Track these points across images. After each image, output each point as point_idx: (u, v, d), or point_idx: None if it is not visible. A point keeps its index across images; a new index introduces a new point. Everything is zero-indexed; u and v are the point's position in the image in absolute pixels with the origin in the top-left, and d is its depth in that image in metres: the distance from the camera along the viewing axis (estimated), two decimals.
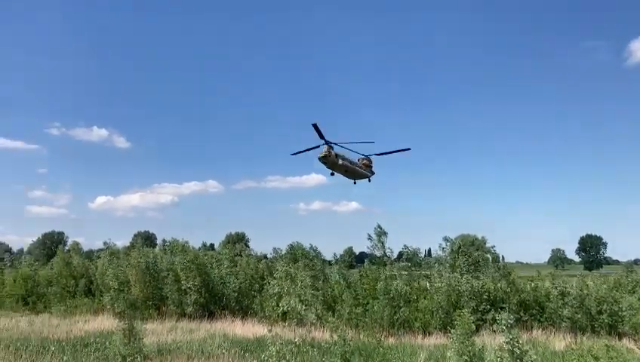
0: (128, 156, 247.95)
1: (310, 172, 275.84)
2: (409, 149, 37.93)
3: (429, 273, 33.11)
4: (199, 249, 44.36)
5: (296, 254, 32.39)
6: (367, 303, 29.11)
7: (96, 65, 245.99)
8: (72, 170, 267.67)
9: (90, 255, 52.85)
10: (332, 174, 39.10)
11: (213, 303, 33.24)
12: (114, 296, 29.83)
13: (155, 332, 25.97)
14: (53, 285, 40.89)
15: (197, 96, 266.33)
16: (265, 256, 39.54)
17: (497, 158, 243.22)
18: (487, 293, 29.99)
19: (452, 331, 16.89)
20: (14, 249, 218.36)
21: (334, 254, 40.49)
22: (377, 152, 42.27)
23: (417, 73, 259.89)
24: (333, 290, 31.21)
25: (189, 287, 32.38)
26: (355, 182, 41.83)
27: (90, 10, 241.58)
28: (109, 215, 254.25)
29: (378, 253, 32.35)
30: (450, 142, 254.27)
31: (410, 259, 32.85)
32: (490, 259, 37.96)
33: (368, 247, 32.47)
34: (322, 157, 37.00)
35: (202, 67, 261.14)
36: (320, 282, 30.24)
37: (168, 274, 33.73)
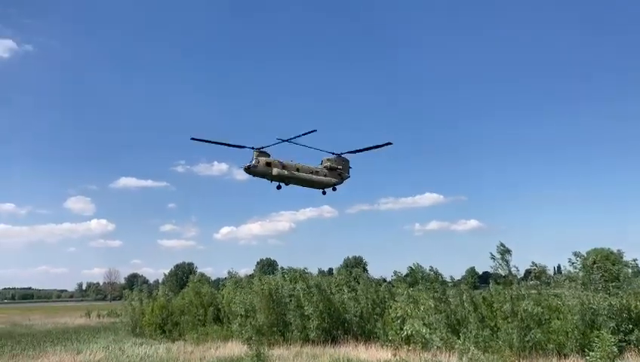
0: (247, 187, 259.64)
1: (424, 191, 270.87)
2: (390, 143, 34.24)
3: (559, 291, 30.81)
4: (317, 274, 44.87)
5: (416, 276, 31.66)
6: (495, 325, 27.73)
7: (214, 105, 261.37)
8: (197, 204, 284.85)
9: (218, 284, 55.61)
10: (278, 188, 34.51)
11: (335, 328, 33.34)
12: (241, 323, 30.98)
13: (282, 357, 26.47)
14: (185, 314, 43.25)
15: (294, 123, 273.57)
16: (384, 280, 38.70)
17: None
18: (627, 311, 27.38)
19: (591, 354, 15.58)
20: (150, 280, 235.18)
21: (454, 275, 38.54)
22: (354, 149, 38.31)
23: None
24: (457, 313, 30.12)
25: (311, 313, 32.66)
26: (323, 192, 36.53)
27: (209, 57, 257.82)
28: (233, 244, 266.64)
29: (502, 272, 30.50)
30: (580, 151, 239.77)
31: (538, 277, 30.58)
32: (631, 273, 34.41)
33: (492, 267, 30.50)
34: (246, 168, 33.24)
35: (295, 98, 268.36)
36: (443, 304, 29.30)
37: (291, 301, 34.36)
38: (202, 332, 38.04)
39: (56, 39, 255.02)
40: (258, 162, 33.08)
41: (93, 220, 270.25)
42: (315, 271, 45.08)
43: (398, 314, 28.83)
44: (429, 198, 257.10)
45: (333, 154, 36.21)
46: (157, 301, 47.37)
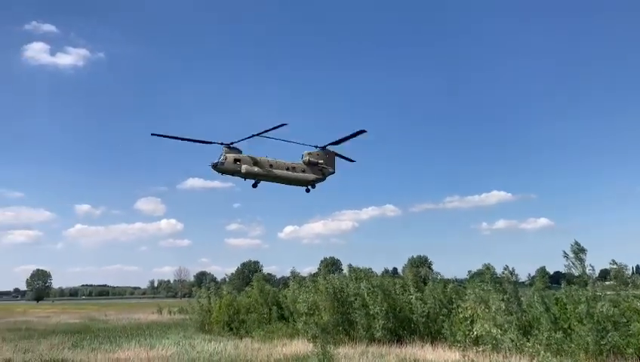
0: None
1: (491, 189, 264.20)
2: (365, 131, 32.15)
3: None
4: (382, 274, 44.53)
5: (485, 276, 30.77)
6: (569, 327, 26.58)
7: (263, 106, 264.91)
8: (262, 203, 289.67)
9: (282, 282, 56.38)
10: (254, 185, 32.78)
11: (401, 328, 32.97)
12: (306, 321, 31.12)
13: (347, 356, 26.42)
14: (251, 312, 43.96)
15: (368, 122, 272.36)
16: (456, 279, 37.49)
17: None
18: None
19: None
20: (218, 278, 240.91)
21: (523, 275, 36.97)
22: (332, 141, 34.26)
23: None
24: (528, 314, 29.09)
25: (377, 312, 32.44)
26: (307, 190, 35.06)
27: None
28: (296, 243, 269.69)
29: (576, 272, 29.16)
30: None
31: (616, 276, 28.93)
32: None
33: (565, 266, 29.18)
34: (213, 165, 31.54)
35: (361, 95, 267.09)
36: (513, 305, 28.35)
37: (356, 299, 34.30)
38: (268, 330, 38.57)
39: (126, 46, 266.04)
40: (225, 159, 31.89)
41: (163, 220, 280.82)
42: (379, 271, 44.84)
43: (467, 315, 28.15)
44: (496, 196, 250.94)
45: (316, 147, 34.64)
46: (223, 299, 48.42)
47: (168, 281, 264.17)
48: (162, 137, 32.04)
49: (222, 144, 32.73)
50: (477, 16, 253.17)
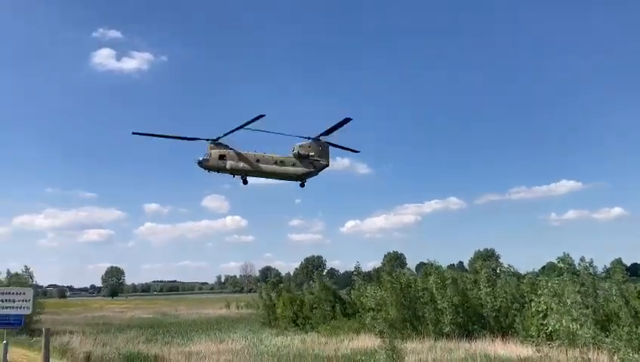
0: (370, 181, 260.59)
1: (559, 178, 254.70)
2: (350, 119, 30.70)
3: None
4: (448, 267, 43.71)
5: (560, 268, 29.48)
6: None
7: (325, 98, 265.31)
8: (323, 199, 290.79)
9: (346, 277, 56.34)
10: (244, 182, 32.00)
11: (470, 322, 32.20)
12: (373, 317, 30.84)
13: (415, 351, 26.09)
14: (316, 307, 44.14)
15: (425, 114, 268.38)
16: (528, 273, 35.91)
17: None
18: None
19: None
20: (283, 273, 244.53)
21: (597, 267, 34.93)
22: (322, 132, 32.58)
23: None
24: (606, 308, 27.72)
25: (445, 307, 31.78)
26: (301, 184, 33.65)
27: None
28: (359, 237, 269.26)
29: None
30: None
31: None
32: None
33: None
34: (199, 162, 30.86)
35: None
36: (590, 299, 27.02)
37: (423, 294, 33.76)
38: (333, 325, 38.63)
39: (187, 48, 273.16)
40: (210, 155, 31.23)
41: (228, 217, 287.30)
42: (444, 265, 44.02)
43: (540, 309, 27.08)
44: (565, 186, 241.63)
45: (308, 138, 33.12)
46: (287, 295, 48.90)
47: (235, 276, 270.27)
48: (146, 135, 31.92)
49: (208, 140, 32.14)
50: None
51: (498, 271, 34.99)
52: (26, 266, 47.52)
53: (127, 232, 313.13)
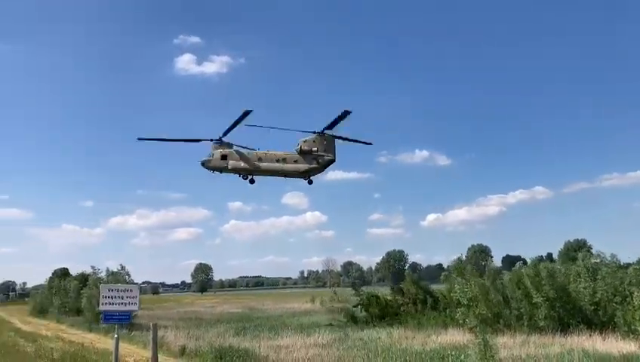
0: (450, 172, 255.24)
1: None
2: (350, 112, 29.24)
3: None
4: (535, 259, 41.94)
5: None
6: None
7: (410, 94, 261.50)
8: (402, 192, 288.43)
9: (429, 271, 55.40)
10: (251, 182, 31.46)
11: (566, 317, 30.76)
12: (463, 312, 30.19)
13: (507, 346, 25.28)
14: (403, 303, 43.60)
15: (506, 102, 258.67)
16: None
17: None
18: None
19: None
20: (364, 268, 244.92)
21: None
22: (326, 125, 31.44)
23: None
24: None
25: (540, 302, 30.51)
26: (309, 181, 32.52)
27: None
28: (440, 231, 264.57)
29: None
30: None
31: None
32: None
33: None
34: (202, 163, 30.78)
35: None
36: None
37: (519, 288, 32.62)
38: (421, 320, 38.16)
39: (264, 50, 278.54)
40: (212, 155, 30.96)
41: (308, 213, 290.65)
42: (531, 257, 42.32)
43: None
44: None
45: (314, 133, 31.94)
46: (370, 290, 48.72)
47: (317, 271, 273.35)
48: (149, 140, 32.13)
49: (211, 140, 31.99)
50: None
51: (597, 262, 33.04)
52: (122, 265, 50.29)
53: (213, 230, 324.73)
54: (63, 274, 75.47)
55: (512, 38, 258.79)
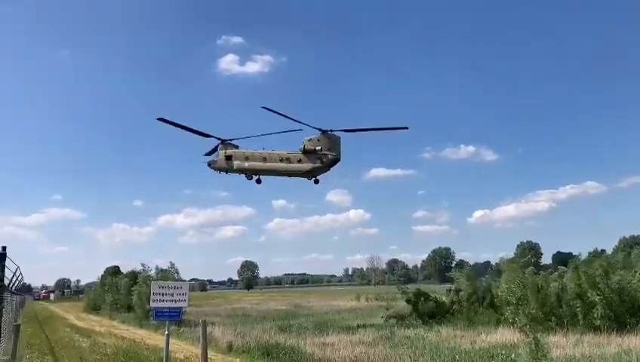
0: (497, 168, 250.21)
1: None
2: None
3: None
4: (589, 255, 40.70)
5: None
6: None
7: (454, 89, 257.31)
8: (447, 189, 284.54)
9: (477, 268, 54.43)
10: (257, 181, 31.42)
11: (624, 315, 29.63)
12: (513, 311, 29.48)
13: (559, 345, 24.53)
14: (453, 301, 42.92)
15: (554, 93, 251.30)
16: None
17: None
18: None
19: None
20: (409, 265, 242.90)
21: None
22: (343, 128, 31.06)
23: None
24: None
25: (595, 300, 29.49)
26: (315, 181, 31.84)
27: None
28: (488, 227, 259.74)
29: None
30: None
31: None
32: None
33: None
34: (208, 163, 30.86)
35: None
36: None
37: (565, 287, 31.66)
38: (471, 318, 37.49)
39: (306, 48, 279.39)
40: (218, 156, 31.11)
41: (351, 210, 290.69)
42: (584, 254, 41.06)
43: None
44: None
45: (320, 131, 31.28)
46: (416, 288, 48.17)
47: (362, 269, 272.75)
48: (168, 123, 32.40)
49: (219, 139, 32.17)
50: None
51: None
52: (171, 262, 51.46)
53: (258, 228, 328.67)
54: (114, 271, 77.58)
55: (560, 31, 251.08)
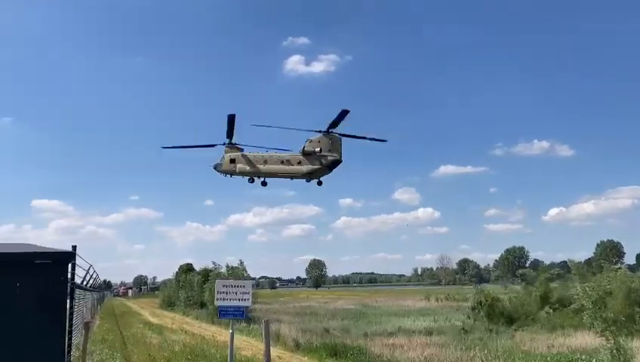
0: (574, 163, 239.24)
1: None
2: (348, 111, 28.74)
3: None
4: None
5: None
6: None
7: (526, 82, 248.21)
8: (520, 186, 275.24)
9: (552, 268, 52.03)
10: (263, 183, 31.61)
11: None
12: (591, 314, 27.89)
13: None
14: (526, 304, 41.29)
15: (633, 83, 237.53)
16: None
17: None
18: None
19: None
20: (481, 265, 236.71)
21: None
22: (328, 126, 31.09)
23: None
24: None
25: None
26: (319, 182, 31.75)
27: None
28: (564, 226, 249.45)
29: None
30: None
31: None
32: None
33: None
34: (214, 167, 31.35)
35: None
36: None
37: None
38: (548, 321, 35.88)
39: (374, 47, 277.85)
40: (223, 159, 31.43)
41: (420, 209, 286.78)
42: None
43: None
44: None
45: (319, 132, 31.21)
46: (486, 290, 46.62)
47: (431, 269, 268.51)
48: (172, 148, 33.65)
49: (224, 144, 32.30)
50: None
51: None
52: (240, 260, 52.47)
53: (325, 226, 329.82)
54: (187, 269, 79.84)
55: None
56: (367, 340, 29.02)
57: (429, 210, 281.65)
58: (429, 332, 33.50)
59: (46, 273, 7.30)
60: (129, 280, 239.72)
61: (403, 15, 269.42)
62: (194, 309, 60.05)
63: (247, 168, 31.78)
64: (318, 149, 31.17)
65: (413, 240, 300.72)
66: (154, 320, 52.30)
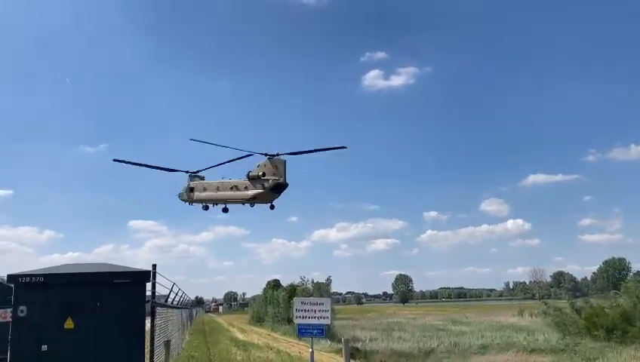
0: None
1: None
2: (345, 147, 30.69)
3: None
4: None
5: None
6: None
7: (621, 82, 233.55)
8: (617, 194, 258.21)
9: None
10: (224, 210, 33.03)
11: None
12: None
13: None
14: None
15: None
16: None
17: None
18: None
19: None
20: (578, 278, 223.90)
21: None
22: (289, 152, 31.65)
23: None
24: None
25: None
26: (270, 207, 31.91)
27: None
28: None
29: None
30: None
31: None
32: None
33: None
34: (178, 195, 32.69)
35: None
36: None
37: None
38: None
39: (453, 58, 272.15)
40: (184, 188, 32.41)
41: (509, 220, 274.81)
42: None
43: None
44: None
45: (266, 155, 30.69)
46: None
47: (524, 282, 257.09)
48: (124, 163, 33.39)
49: (187, 172, 32.95)
50: None
51: None
52: (329, 277, 52.76)
53: (409, 240, 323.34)
54: (275, 284, 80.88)
55: None
56: (462, 358, 27.96)
57: (519, 221, 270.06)
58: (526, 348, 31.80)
59: (125, 292, 7.38)
60: (219, 296, 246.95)
61: (480, 19, 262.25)
62: (282, 325, 60.61)
63: (203, 195, 32.69)
64: (261, 173, 31.09)
65: (503, 253, 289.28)
66: (241, 336, 53.21)
